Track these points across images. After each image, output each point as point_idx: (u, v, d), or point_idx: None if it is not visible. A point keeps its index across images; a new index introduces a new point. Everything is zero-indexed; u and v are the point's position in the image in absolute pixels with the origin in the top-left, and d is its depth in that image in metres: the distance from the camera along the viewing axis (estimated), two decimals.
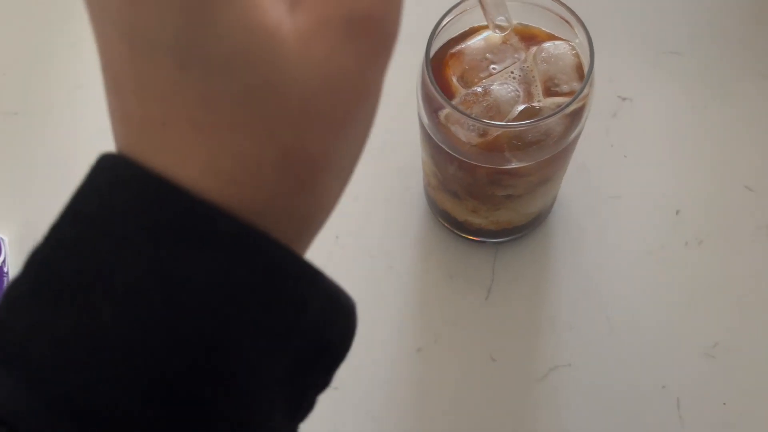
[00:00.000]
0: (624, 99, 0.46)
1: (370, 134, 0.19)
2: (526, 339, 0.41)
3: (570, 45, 0.34)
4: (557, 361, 0.40)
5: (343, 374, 0.40)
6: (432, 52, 0.31)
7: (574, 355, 0.40)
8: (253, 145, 0.16)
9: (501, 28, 0.30)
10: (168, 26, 0.15)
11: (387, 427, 0.39)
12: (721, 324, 0.40)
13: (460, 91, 0.32)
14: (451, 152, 0.33)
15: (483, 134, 0.32)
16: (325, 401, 0.40)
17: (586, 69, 0.33)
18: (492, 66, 0.32)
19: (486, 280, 0.42)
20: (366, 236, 0.44)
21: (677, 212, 0.43)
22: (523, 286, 0.42)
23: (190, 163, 0.16)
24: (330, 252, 0.44)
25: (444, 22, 0.31)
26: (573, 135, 0.34)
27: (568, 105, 0.31)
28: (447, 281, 0.42)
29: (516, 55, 0.32)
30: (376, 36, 0.16)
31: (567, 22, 0.33)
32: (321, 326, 0.18)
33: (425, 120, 0.33)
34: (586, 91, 0.32)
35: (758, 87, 0.45)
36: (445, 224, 0.43)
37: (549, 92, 0.34)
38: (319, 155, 0.17)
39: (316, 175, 0.17)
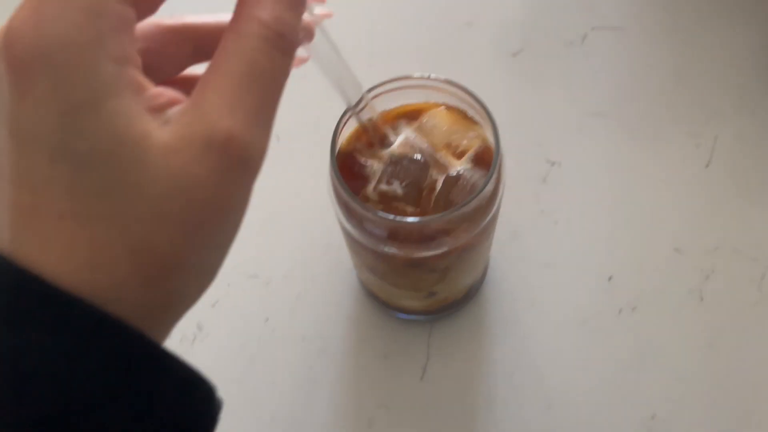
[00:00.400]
0: (552, 163, 0.46)
1: (232, 242, 0.20)
2: (462, 419, 0.39)
3: (439, 106, 0.33)
4: None
5: None
6: (338, 148, 0.30)
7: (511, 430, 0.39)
8: (108, 237, 0.18)
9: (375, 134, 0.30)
10: (46, 124, 0.17)
11: None
12: (659, 394, 0.39)
13: (369, 186, 0.31)
14: (369, 246, 0.32)
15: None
16: None
17: (490, 145, 0.32)
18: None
19: (421, 358, 0.41)
20: (296, 317, 0.43)
21: (610, 278, 0.42)
22: (459, 363, 0.41)
23: (52, 251, 0.17)
24: (259, 336, 0.42)
25: (347, 117, 0.30)
26: (490, 216, 0.33)
27: (480, 191, 0.30)
28: (381, 361, 0.41)
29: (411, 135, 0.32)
30: (234, 155, 0.18)
31: (444, 91, 0.32)
32: (175, 411, 0.19)
33: (340, 215, 0.32)
34: (495, 174, 0.31)
35: (683, 145, 0.46)
36: (378, 302, 0.42)
37: (457, 155, 0.33)
38: (168, 254, 0.18)
39: (167, 271, 0.19)
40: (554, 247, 0.43)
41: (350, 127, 0.32)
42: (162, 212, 0.18)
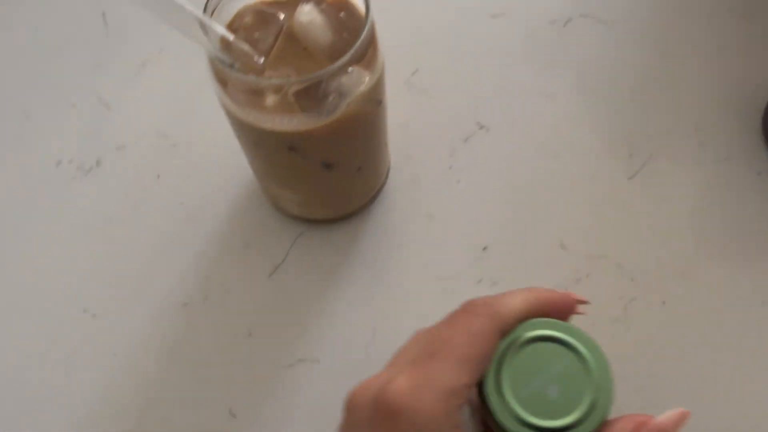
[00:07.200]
0: (481, 127, 0.45)
1: None
2: (284, 324, 0.40)
3: None
4: (306, 355, 0.39)
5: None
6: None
7: (323, 353, 0.39)
8: None
9: None
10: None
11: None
12: None
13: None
14: (235, 114, 0.33)
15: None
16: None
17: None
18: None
19: (278, 257, 0.42)
20: (182, 183, 0.44)
21: (484, 248, 0.41)
22: (310, 274, 0.41)
23: None
24: (144, 188, 0.44)
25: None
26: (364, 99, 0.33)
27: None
28: (241, 249, 0.42)
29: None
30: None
31: None
32: None
33: (224, 100, 0.33)
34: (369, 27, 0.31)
35: (618, 151, 0.44)
36: (267, 196, 0.43)
37: None
38: None
39: None
40: (444, 202, 0.43)
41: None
42: None
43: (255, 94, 0.32)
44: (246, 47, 0.31)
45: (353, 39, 0.31)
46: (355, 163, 0.38)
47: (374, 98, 0.35)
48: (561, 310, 0.26)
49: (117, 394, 0.38)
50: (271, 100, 0.33)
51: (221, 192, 0.44)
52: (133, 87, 0.47)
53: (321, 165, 0.37)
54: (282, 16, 0.33)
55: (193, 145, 0.45)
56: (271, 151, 0.36)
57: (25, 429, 0.37)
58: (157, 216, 0.43)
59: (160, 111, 0.46)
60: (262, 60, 0.32)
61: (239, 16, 0.33)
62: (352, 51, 0.30)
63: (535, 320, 0.25)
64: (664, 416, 0.24)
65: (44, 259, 0.42)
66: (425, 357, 0.24)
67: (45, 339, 0.40)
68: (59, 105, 0.47)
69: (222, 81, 0.32)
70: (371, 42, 0.32)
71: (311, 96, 0.33)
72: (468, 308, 0.25)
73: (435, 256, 0.41)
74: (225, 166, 0.44)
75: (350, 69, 0.33)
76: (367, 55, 0.32)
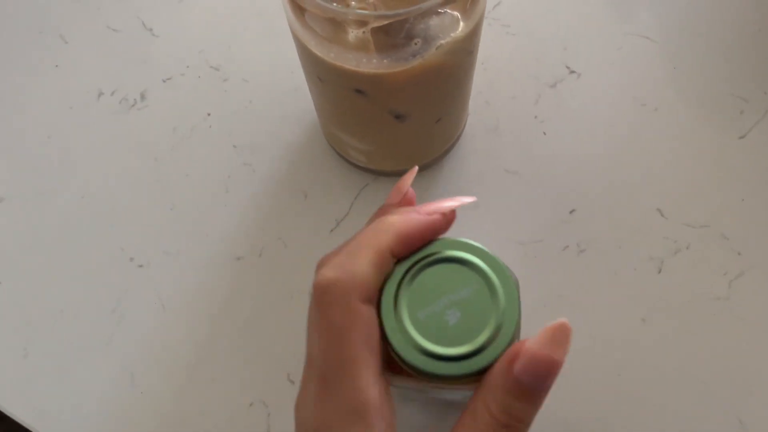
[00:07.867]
0: (572, 71, 0.40)
1: None
2: None
3: None
4: None
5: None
6: None
7: None
8: None
9: None
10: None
11: (183, 315, 0.36)
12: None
13: None
14: (316, 53, 0.28)
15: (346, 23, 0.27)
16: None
17: None
18: None
19: (341, 211, 0.38)
20: (237, 123, 0.40)
21: (572, 211, 0.37)
22: None
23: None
24: (194, 125, 0.40)
25: None
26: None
27: None
28: (299, 199, 0.38)
29: None
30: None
31: None
32: None
33: (296, 28, 0.28)
34: None
35: (725, 106, 0.39)
36: (330, 143, 0.39)
37: None
38: None
39: None
40: (528, 156, 0.38)
41: None
42: None
43: (331, 25, 0.28)
44: None
45: None
46: (432, 115, 0.34)
47: (465, 48, 0.30)
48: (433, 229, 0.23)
49: (165, 349, 0.35)
50: (348, 33, 0.28)
51: (279, 135, 0.39)
52: (181, 11, 0.43)
53: (391, 115, 0.33)
54: None
55: (247, 80, 0.41)
56: (336, 91, 0.32)
57: (73, 378, 0.35)
58: (208, 159, 0.39)
59: (210, 40, 0.42)
60: None
61: None
62: None
63: (439, 241, 0.23)
64: (535, 338, 0.21)
65: (85, 202, 0.39)
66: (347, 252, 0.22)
67: (90, 287, 0.37)
68: (99, 29, 0.43)
69: (297, 7, 0.27)
70: None
71: (391, 35, 0.28)
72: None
73: (515, 218, 0.37)
74: (283, 106, 0.40)
75: (443, 11, 0.28)
76: None
